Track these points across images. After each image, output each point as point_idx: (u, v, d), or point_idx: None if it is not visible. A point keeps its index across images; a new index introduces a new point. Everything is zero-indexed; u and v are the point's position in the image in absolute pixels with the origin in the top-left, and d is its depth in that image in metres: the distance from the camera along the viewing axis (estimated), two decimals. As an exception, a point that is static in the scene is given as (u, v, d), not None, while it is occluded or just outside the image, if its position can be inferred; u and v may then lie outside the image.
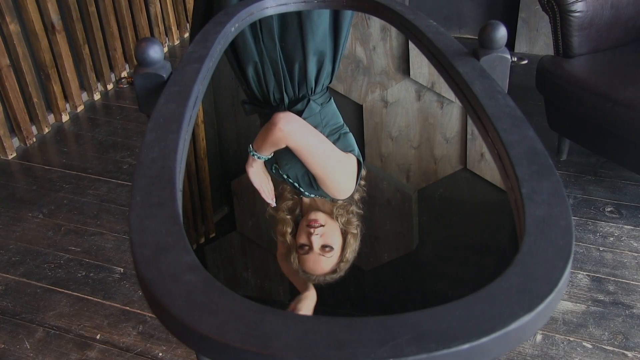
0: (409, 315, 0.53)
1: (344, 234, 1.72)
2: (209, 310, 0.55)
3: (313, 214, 1.68)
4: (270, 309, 0.54)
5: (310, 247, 1.65)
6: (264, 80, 1.69)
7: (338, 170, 1.63)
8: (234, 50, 1.67)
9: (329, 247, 1.66)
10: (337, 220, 1.71)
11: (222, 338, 0.52)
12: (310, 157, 1.59)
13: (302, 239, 1.67)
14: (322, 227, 1.66)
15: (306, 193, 1.70)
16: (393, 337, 0.51)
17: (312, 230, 1.65)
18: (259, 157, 1.65)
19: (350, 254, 1.72)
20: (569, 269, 0.59)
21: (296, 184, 1.69)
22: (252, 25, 1.59)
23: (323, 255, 1.65)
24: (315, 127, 1.64)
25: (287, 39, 1.65)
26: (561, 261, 0.59)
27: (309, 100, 1.69)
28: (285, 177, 1.69)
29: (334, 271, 1.69)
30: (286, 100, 1.70)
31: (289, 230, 1.70)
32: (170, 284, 0.58)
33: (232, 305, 0.55)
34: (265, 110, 1.73)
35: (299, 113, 1.65)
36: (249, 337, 0.52)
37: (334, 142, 1.65)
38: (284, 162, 1.66)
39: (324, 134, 1.64)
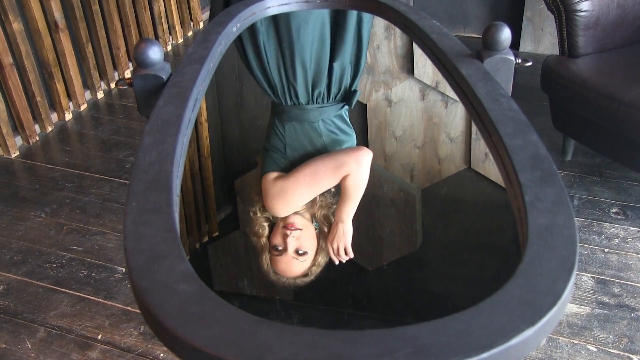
0: (408, 328, 0.52)
1: (318, 238, 1.72)
2: (202, 322, 0.53)
3: (292, 217, 1.67)
4: (265, 321, 0.53)
5: (285, 249, 1.64)
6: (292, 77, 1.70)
7: None
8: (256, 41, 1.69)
9: (304, 251, 1.65)
10: (317, 213, 1.73)
11: (216, 351, 0.51)
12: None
13: (277, 240, 1.67)
14: (299, 231, 1.65)
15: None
16: (391, 352, 0.49)
17: (288, 232, 1.64)
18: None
19: (323, 259, 1.72)
20: (572, 280, 0.57)
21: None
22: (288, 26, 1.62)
23: (297, 259, 1.65)
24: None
25: (318, 49, 1.68)
26: (565, 272, 0.57)
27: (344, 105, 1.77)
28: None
29: (305, 275, 1.69)
30: (304, 99, 1.71)
31: (264, 231, 1.70)
32: (164, 294, 0.57)
33: (226, 317, 0.54)
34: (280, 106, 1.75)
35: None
36: (243, 350, 0.51)
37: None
38: None
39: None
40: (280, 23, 1.62)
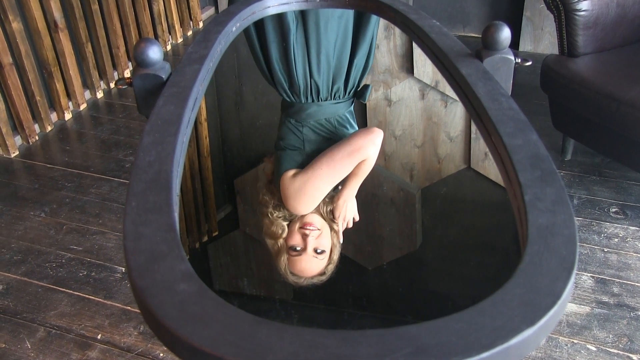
0: (407, 328, 0.52)
1: (331, 236, 1.72)
2: (202, 321, 0.53)
3: (309, 217, 1.66)
4: (265, 321, 0.53)
5: (304, 249, 1.64)
6: (317, 71, 1.70)
7: None
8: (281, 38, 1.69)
9: (322, 250, 1.65)
10: (323, 209, 1.72)
11: (216, 351, 0.51)
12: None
13: (295, 241, 1.66)
14: (317, 231, 1.65)
15: None
16: (391, 351, 0.49)
17: (307, 232, 1.64)
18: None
19: (336, 255, 1.72)
20: (572, 280, 0.57)
21: None
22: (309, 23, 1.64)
23: (316, 258, 1.64)
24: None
25: (340, 44, 1.69)
26: (565, 272, 0.57)
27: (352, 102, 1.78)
28: None
29: (322, 273, 1.68)
30: (324, 95, 1.71)
31: (283, 232, 1.69)
32: (164, 293, 0.57)
33: (226, 317, 0.54)
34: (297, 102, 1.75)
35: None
36: (243, 350, 0.51)
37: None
38: None
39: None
40: (308, 18, 1.62)
